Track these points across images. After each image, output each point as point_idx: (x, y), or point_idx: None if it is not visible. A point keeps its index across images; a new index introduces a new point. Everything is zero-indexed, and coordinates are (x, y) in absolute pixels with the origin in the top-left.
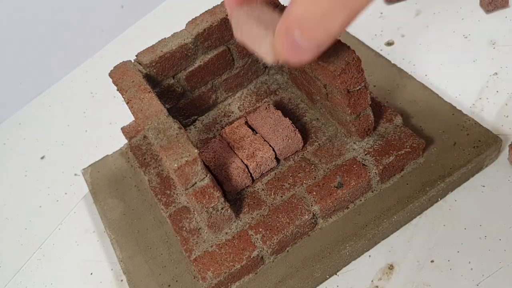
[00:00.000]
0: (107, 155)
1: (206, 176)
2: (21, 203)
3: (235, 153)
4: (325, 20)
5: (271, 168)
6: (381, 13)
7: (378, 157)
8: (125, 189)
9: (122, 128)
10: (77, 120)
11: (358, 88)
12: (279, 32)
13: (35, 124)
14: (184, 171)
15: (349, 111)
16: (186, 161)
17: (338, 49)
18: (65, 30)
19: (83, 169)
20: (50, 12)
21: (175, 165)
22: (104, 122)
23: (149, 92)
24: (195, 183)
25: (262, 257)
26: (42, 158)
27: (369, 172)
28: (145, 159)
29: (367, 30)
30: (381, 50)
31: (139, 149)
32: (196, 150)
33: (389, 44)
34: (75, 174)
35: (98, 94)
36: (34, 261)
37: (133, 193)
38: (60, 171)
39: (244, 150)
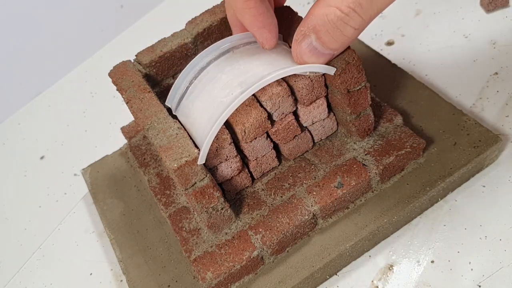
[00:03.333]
0: (106, 155)
1: (206, 176)
2: (20, 203)
3: None
4: (337, 30)
5: (272, 168)
6: (381, 12)
7: (378, 157)
8: (125, 189)
9: (121, 128)
10: (76, 120)
11: (358, 88)
12: (298, 36)
13: (34, 124)
14: (183, 171)
15: (349, 111)
16: (186, 161)
17: None
18: (64, 30)
19: (83, 169)
20: (49, 12)
21: (175, 165)
22: (104, 122)
23: (149, 92)
24: (195, 183)
25: (262, 258)
26: (42, 158)
27: (369, 172)
28: (144, 159)
29: (367, 29)
30: (381, 49)
31: (138, 149)
32: (196, 150)
33: (389, 43)
34: (75, 174)
35: (98, 94)
36: (34, 261)
37: (132, 193)
38: (59, 171)
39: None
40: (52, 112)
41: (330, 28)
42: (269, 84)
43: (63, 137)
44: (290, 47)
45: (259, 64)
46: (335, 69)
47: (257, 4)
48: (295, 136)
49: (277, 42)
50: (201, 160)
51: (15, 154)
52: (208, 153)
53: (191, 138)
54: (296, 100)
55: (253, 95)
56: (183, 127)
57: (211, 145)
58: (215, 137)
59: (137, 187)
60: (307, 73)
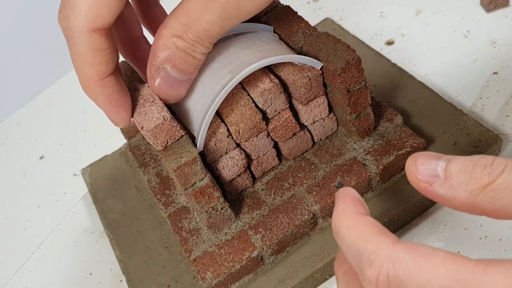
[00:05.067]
0: (106, 155)
1: (206, 176)
2: (20, 203)
3: None
4: (189, 56)
5: (272, 168)
6: (381, 12)
7: (378, 157)
8: (125, 189)
9: (121, 128)
10: (76, 120)
11: (358, 88)
12: (152, 72)
13: (34, 123)
14: (183, 171)
15: (349, 110)
16: (186, 161)
17: (338, 48)
18: None
19: (82, 169)
20: (49, 11)
21: (175, 165)
22: (104, 122)
23: None
24: (195, 183)
25: (262, 257)
26: (41, 158)
27: (369, 172)
28: (144, 159)
29: (367, 29)
30: (381, 49)
31: (138, 149)
32: (196, 150)
33: (389, 43)
34: (74, 174)
35: None
36: (33, 261)
37: (132, 193)
38: (59, 171)
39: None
40: (51, 111)
41: (183, 54)
42: (261, 81)
43: (63, 137)
44: (284, 41)
45: (249, 53)
46: (322, 64)
47: (111, 83)
48: (294, 134)
49: (130, 120)
50: (200, 147)
51: (14, 154)
52: (208, 148)
53: (185, 127)
54: (289, 97)
55: (248, 94)
56: (176, 116)
57: (210, 140)
58: (213, 132)
59: (137, 187)
60: (296, 63)
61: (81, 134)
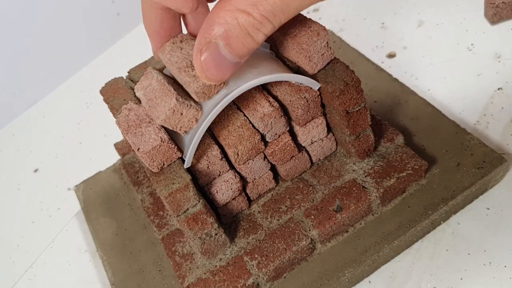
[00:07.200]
0: (99, 172)
1: (199, 202)
2: (13, 218)
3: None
4: (250, 34)
5: (269, 189)
6: (383, 23)
7: (378, 179)
8: (118, 208)
9: (115, 144)
10: (71, 132)
11: (357, 109)
12: (201, 45)
13: (29, 135)
14: (175, 198)
15: (348, 132)
16: (178, 187)
17: (337, 69)
18: (59, 39)
19: (75, 186)
20: (44, 21)
21: (166, 192)
22: (99, 134)
23: None
24: (187, 209)
25: (258, 284)
26: (36, 171)
27: (369, 196)
28: (138, 177)
29: (367, 41)
30: (382, 62)
31: (132, 166)
32: (188, 176)
33: (391, 56)
34: (69, 189)
35: (93, 104)
36: (25, 280)
37: (126, 212)
38: (53, 185)
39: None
40: (46, 123)
41: (242, 33)
42: (259, 104)
43: (58, 149)
44: (281, 59)
45: (244, 70)
46: (320, 85)
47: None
48: (292, 156)
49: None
50: (187, 164)
51: (8, 167)
52: (200, 171)
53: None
54: (289, 120)
55: (244, 114)
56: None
57: (202, 163)
58: (204, 152)
59: (131, 206)
60: (293, 82)
61: (76, 147)
